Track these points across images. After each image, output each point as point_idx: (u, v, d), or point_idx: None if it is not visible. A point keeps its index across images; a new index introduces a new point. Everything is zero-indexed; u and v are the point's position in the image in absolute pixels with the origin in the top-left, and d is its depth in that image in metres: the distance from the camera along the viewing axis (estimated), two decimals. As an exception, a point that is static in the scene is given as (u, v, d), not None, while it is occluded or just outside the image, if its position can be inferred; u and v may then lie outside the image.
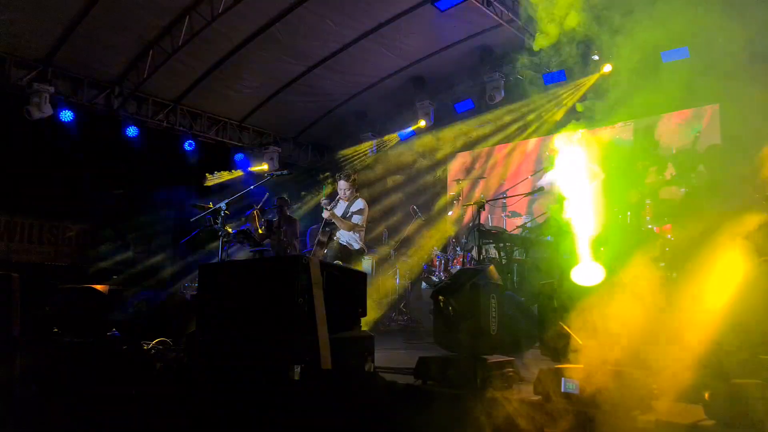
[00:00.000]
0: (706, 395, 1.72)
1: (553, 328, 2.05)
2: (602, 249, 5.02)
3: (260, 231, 6.83)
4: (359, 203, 5.66)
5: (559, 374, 1.98)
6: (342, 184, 5.62)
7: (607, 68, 7.28)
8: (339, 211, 5.63)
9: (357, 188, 5.76)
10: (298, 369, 2.10)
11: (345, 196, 5.59)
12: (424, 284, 6.18)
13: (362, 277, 2.83)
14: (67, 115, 8.16)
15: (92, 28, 7.26)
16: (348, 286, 2.57)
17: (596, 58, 7.35)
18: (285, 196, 7.27)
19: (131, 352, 3.26)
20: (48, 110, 7.68)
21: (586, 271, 2.08)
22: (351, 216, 5.54)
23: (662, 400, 1.98)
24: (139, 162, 10.50)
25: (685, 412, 1.85)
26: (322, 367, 2.17)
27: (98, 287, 4.81)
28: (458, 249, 6.47)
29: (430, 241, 7.22)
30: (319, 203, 5.65)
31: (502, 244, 5.77)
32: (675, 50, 6.90)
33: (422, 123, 9.32)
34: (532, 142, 9.65)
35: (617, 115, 8.56)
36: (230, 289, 2.57)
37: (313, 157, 11.63)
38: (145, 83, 8.39)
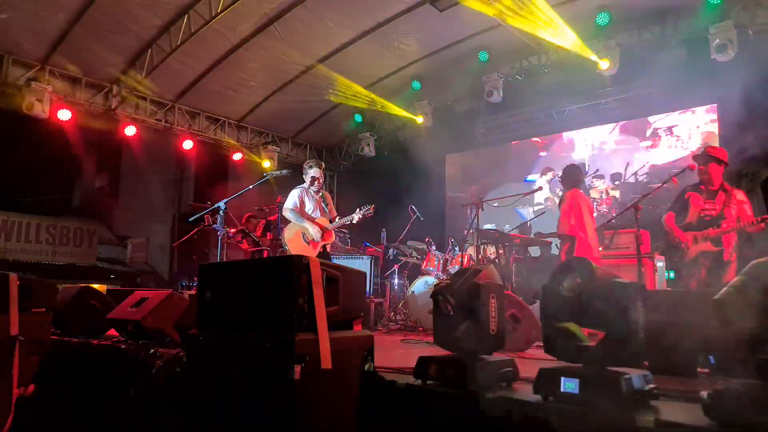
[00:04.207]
0: (704, 395, 1.72)
1: (557, 327, 2.06)
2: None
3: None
4: (328, 195, 5.43)
5: (558, 374, 1.99)
6: (317, 173, 5.26)
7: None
8: (313, 205, 5.28)
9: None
10: (298, 369, 2.10)
11: (321, 185, 5.31)
12: (423, 284, 6.18)
13: (362, 276, 2.83)
14: (65, 114, 8.13)
15: (90, 27, 7.25)
16: (348, 286, 2.57)
17: (594, 58, 7.35)
18: (284, 195, 7.26)
19: (130, 352, 3.25)
20: (45, 109, 7.67)
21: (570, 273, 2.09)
22: (328, 208, 5.31)
23: (661, 400, 1.99)
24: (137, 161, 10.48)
25: (684, 412, 1.86)
26: (322, 366, 2.17)
27: (97, 286, 4.81)
28: (457, 249, 6.48)
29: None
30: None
31: (500, 244, 5.78)
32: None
33: (420, 120, 9.36)
34: (531, 142, 9.67)
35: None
36: (230, 288, 2.56)
37: (312, 156, 11.63)
38: (143, 82, 8.38)
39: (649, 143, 8.27)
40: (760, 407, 1.58)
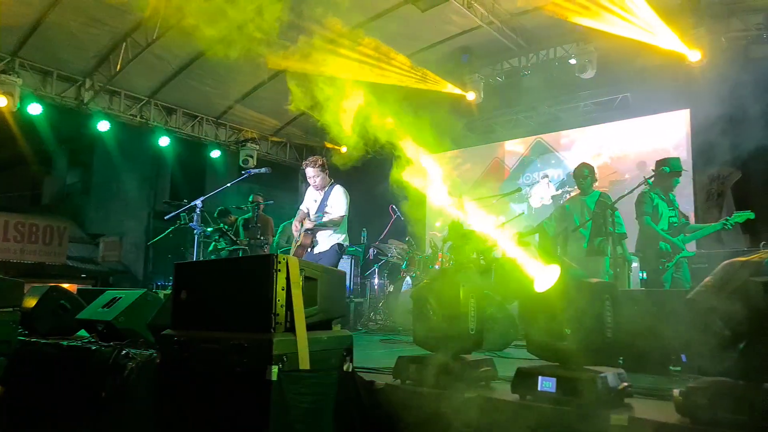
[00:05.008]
0: (676, 392, 1.75)
1: (540, 326, 2.07)
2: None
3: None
4: (337, 190, 5.05)
5: (536, 373, 2.01)
6: (310, 172, 5.03)
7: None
8: (313, 204, 5.08)
9: (328, 173, 5.13)
10: (275, 369, 2.07)
11: (316, 185, 5.06)
12: (403, 284, 6.19)
13: (341, 276, 2.82)
14: (35, 109, 7.90)
15: (63, 19, 7.05)
16: (327, 286, 2.55)
17: (573, 62, 7.47)
18: (260, 194, 7.22)
19: (101, 353, 3.17)
20: (15, 103, 7.43)
21: (546, 274, 2.12)
22: (329, 207, 4.94)
23: (635, 397, 2.03)
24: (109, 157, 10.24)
25: (657, 409, 1.89)
26: (300, 367, 2.15)
27: (67, 286, 4.67)
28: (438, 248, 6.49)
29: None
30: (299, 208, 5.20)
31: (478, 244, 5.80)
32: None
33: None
34: (512, 143, 9.77)
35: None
36: (206, 288, 2.52)
37: (292, 155, 11.55)
38: (117, 77, 8.19)
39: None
40: (731, 404, 1.62)
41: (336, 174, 5.25)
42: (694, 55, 6.53)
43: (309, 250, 4.95)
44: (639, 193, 4.65)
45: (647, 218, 4.59)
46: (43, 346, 3.56)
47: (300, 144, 11.39)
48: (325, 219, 4.90)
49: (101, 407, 2.93)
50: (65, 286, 4.52)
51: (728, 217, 4.45)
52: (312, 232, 4.92)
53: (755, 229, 5.15)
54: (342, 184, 5.16)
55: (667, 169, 4.57)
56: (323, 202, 5.03)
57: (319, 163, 5.07)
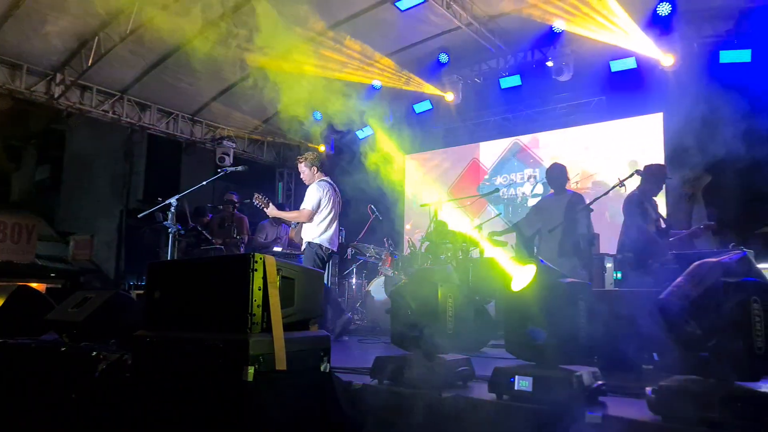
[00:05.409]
0: (649, 391, 1.79)
1: (516, 325, 2.09)
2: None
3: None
4: (311, 186, 4.99)
5: (513, 372, 2.02)
6: (299, 167, 5.14)
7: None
8: None
9: (318, 169, 5.11)
10: (251, 370, 2.04)
11: (304, 180, 5.12)
12: (381, 284, 6.18)
13: (319, 276, 2.79)
14: (4, 103, 7.63)
15: (33, 11, 6.83)
16: (305, 286, 2.52)
17: (550, 65, 7.57)
18: (234, 193, 7.13)
19: (71, 354, 3.08)
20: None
21: (522, 274, 2.14)
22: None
23: (608, 396, 2.06)
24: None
25: (630, 407, 1.92)
26: (277, 368, 2.12)
27: (35, 285, 4.54)
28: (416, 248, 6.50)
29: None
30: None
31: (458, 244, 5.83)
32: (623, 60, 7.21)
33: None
34: (489, 144, 9.86)
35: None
36: (181, 288, 2.47)
37: (270, 153, 11.44)
38: (89, 71, 7.97)
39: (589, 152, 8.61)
40: (702, 402, 1.66)
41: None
42: (667, 60, 6.70)
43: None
44: (630, 194, 4.77)
45: (641, 219, 4.69)
46: (11, 347, 3.44)
47: (277, 142, 11.28)
48: (286, 212, 5.01)
49: (71, 409, 2.85)
50: (34, 285, 4.40)
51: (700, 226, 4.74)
52: (288, 225, 5.01)
53: (725, 231, 5.31)
54: (326, 183, 5.15)
55: (645, 173, 4.71)
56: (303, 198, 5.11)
57: (303, 159, 5.11)
